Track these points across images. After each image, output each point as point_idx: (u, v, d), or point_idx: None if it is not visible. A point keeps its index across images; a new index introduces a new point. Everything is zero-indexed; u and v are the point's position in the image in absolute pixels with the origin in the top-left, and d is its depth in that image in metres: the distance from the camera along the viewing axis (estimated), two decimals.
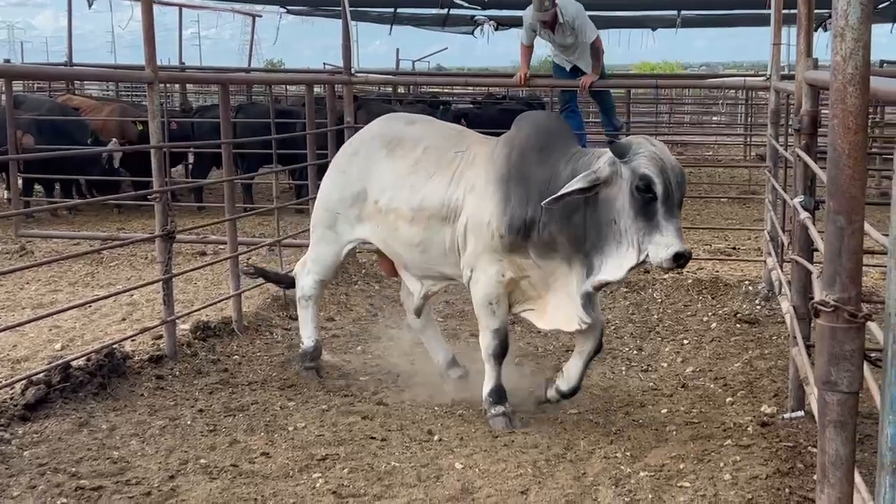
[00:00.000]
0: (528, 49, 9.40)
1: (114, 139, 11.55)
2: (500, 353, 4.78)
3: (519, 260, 4.58)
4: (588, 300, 4.52)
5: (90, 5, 19.93)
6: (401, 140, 5.11)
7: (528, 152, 4.56)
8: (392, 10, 20.50)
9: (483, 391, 4.83)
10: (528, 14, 9.31)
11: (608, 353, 5.81)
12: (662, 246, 4.00)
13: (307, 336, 5.64)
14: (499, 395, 4.80)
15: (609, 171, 4.17)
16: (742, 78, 10.38)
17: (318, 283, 5.63)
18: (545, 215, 4.41)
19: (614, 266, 4.27)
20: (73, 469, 4.25)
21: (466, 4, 19.02)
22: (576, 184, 4.19)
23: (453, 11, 19.65)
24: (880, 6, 14.39)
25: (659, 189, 4.03)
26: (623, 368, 5.58)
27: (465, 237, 4.69)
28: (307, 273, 5.64)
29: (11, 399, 4.88)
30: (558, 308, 4.65)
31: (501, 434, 4.73)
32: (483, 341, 4.80)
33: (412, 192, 4.91)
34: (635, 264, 4.21)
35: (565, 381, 4.85)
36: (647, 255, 4.11)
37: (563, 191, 4.22)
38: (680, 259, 4.03)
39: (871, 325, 3.11)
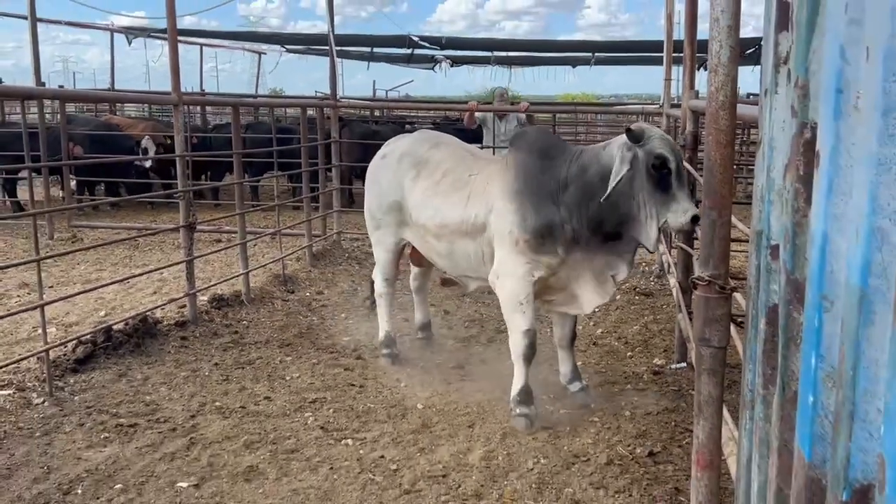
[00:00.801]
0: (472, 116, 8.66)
1: (147, 135, 11.43)
2: (530, 355, 4.16)
3: (548, 259, 4.04)
4: (625, 259, 4.06)
5: (130, 44, 19.63)
6: (426, 163, 4.64)
7: (531, 168, 4.10)
8: (369, 49, 20.45)
9: (511, 391, 4.19)
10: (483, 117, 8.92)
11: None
12: (680, 212, 3.70)
13: (381, 328, 5.16)
14: (526, 396, 4.15)
15: (630, 154, 3.78)
16: (641, 105, 10.47)
17: (385, 281, 5.12)
18: (564, 212, 3.98)
19: (642, 235, 3.86)
20: (114, 410, 4.22)
21: (428, 45, 19.00)
22: (622, 169, 3.77)
23: (417, 51, 19.66)
24: (747, 52, 14.53)
25: (673, 165, 3.72)
26: (548, 330, 5.60)
27: (494, 249, 4.20)
28: (376, 275, 5.18)
29: (65, 355, 4.84)
30: (589, 290, 4.14)
31: (454, 381, 4.75)
32: (512, 343, 4.18)
33: (435, 211, 4.47)
34: (657, 230, 3.80)
35: (566, 371, 4.54)
36: (667, 222, 3.76)
37: (612, 183, 3.78)
38: (696, 220, 3.63)
39: (737, 296, 3.16)
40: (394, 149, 4.93)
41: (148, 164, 11.12)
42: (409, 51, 19.52)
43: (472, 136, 11.12)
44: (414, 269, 5.34)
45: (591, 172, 3.97)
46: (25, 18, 9.78)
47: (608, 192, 3.80)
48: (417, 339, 5.41)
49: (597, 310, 6.39)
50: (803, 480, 1.42)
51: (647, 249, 3.96)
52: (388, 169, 4.82)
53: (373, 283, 5.37)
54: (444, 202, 4.46)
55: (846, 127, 1.28)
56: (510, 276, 4.09)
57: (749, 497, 1.93)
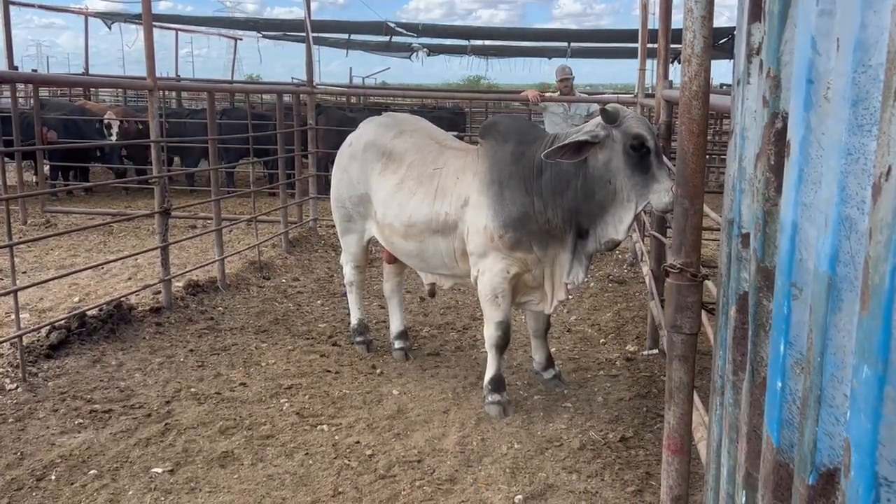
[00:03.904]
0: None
1: (109, 111, 11.30)
2: (503, 345, 4.11)
3: (522, 256, 3.92)
4: (581, 263, 3.92)
5: (109, 28, 19.33)
6: (390, 155, 4.41)
7: (505, 156, 3.93)
8: (346, 37, 20.31)
9: (484, 378, 4.21)
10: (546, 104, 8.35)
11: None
12: (663, 192, 3.51)
13: (353, 316, 5.10)
14: (498, 383, 4.14)
15: (603, 133, 3.61)
16: (616, 95, 10.48)
17: (354, 269, 5.00)
18: (538, 203, 3.82)
19: (614, 224, 3.71)
20: (89, 396, 4.18)
21: (405, 32, 18.90)
22: (578, 136, 3.62)
23: (394, 39, 19.55)
24: (720, 41, 14.59)
25: (651, 144, 3.55)
26: (522, 318, 5.61)
27: (469, 243, 4.03)
28: (346, 264, 5.04)
29: (38, 341, 4.77)
30: (556, 287, 4.03)
31: (429, 367, 4.75)
32: (487, 333, 4.11)
33: (400, 209, 4.26)
34: (633, 217, 3.67)
35: (540, 359, 4.54)
36: (650, 203, 3.58)
37: (563, 142, 3.62)
38: None
39: (708, 283, 3.18)
40: (360, 136, 4.71)
41: (113, 138, 10.92)
42: (386, 38, 19.42)
43: (447, 122, 11.11)
44: (386, 272, 5.07)
45: None
46: None
47: (557, 145, 3.62)
48: (395, 349, 4.97)
49: (570, 297, 6.46)
50: (771, 465, 1.44)
51: (617, 240, 3.80)
52: (355, 159, 4.62)
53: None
54: (410, 199, 4.24)
55: (816, 117, 1.29)
56: (487, 272, 3.99)
57: (719, 481, 1.95)
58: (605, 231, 3.77)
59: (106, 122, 11.08)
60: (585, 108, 7.99)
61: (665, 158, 3.71)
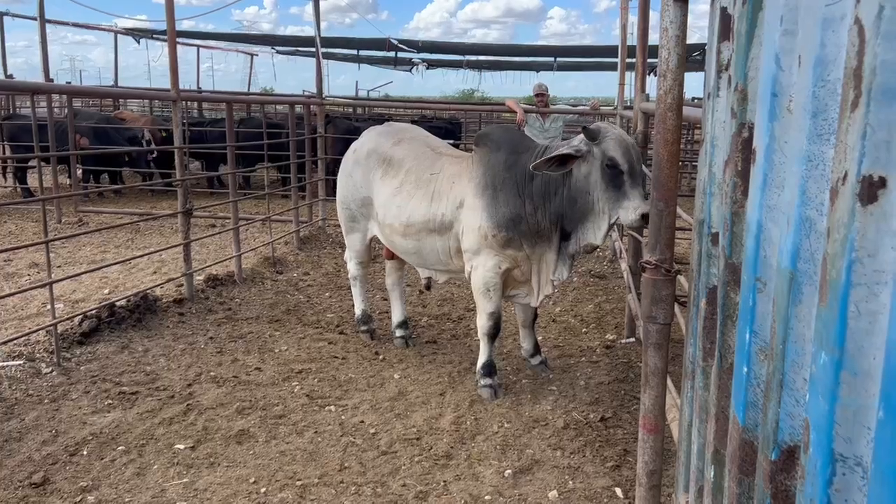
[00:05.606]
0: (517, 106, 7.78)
1: (145, 128, 11.31)
2: (494, 333, 4.11)
3: (513, 253, 3.90)
4: (566, 262, 3.93)
5: (138, 42, 19.30)
6: (390, 161, 4.40)
7: (499, 163, 3.92)
8: (355, 52, 20.31)
9: (477, 364, 4.21)
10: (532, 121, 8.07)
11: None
12: (631, 209, 3.51)
13: (357, 307, 5.09)
14: (489, 369, 4.14)
15: (585, 148, 3.61)
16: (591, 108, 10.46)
17: (358, 264, 4.97)
18: (529, 206, 3.82)
19: (592, 231, 3.72)
20: (117, 379, 4.17)
21: (406, 48, 18.89)
22: (563, 150, 3.63)
23: (398, 55, 19.55)
24: (694, 54, 14.57)
25: (625, 166, 3.52)
26: (512, 309, 5.61)
27: (464, 241, 4.02)
28: (350, 260, 5.01)
29: (71, 329, 4.77)
30: (542, 283, 4.02)
31: (427, 354, 4.75)
32: (480, 323, 4.11)
33: (399, 210, 4.25)
34: (608, 226, 3.66)
35: (528, 347, 4.53)
36: (618, 218, 3.59)
37: (550, 154, 3.62)
38: (647, 217, 3.41)
39: (681, 278, 3.19)
40: (362, 144, 4.68)
41: (153, 153, 10.92)
42: (391, 54, 19.41)
43: (444, 131, 11.08)
44: (388, 267, 5.04)
45: None
46: (35, 20, 9.60)
47: (539, 160, 3.63)
48: (396, 337, 4.96)
49: (555, 291, 6.45)
50: (737, 442, 1.44)
51: (595, 244, 3.80)
52: (358, 165, 4.60)
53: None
54: (409, 201, 4.23)
55: (780, 127, 1.29)
56: (480, 268, 3.97)
57: (689, 457, 1.95)
58: (584, 236, 3.78)
59: (146, 137, 11.07)
60: (561, 122, 7.97)
61: (644, 168, 3.70)
